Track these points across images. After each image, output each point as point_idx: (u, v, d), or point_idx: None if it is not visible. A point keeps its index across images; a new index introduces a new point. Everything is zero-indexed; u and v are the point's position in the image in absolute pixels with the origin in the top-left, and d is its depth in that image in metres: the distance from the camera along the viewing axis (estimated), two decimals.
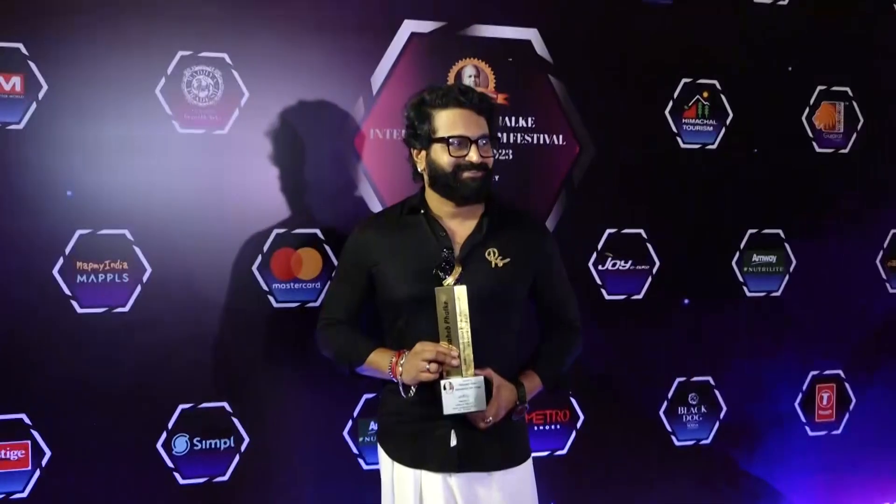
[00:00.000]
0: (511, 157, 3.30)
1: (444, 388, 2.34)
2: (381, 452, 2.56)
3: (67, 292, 2.86)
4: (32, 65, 2.82)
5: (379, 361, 2.47)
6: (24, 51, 2.81)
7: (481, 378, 2.36)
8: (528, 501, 2.52)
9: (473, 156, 2.43)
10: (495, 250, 2.49)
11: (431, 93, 2.49)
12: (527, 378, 2.52)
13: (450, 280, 2.37)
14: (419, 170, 2.53)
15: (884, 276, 3.82)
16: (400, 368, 2.41)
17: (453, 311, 2.33)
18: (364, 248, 2.55)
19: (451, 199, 2.49)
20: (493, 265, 2.47)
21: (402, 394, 2.43)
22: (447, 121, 2.45)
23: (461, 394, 2.33)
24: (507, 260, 2.49)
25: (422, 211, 2.53)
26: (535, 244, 2.58)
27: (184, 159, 2.96)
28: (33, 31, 2.82)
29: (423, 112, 2.49)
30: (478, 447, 2.44)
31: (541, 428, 3.37)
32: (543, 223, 2.72)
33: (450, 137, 2.44)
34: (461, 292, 2.33)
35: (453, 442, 2.43)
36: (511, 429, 2.49)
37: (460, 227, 2.52)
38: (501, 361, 2.48)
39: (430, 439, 2.44)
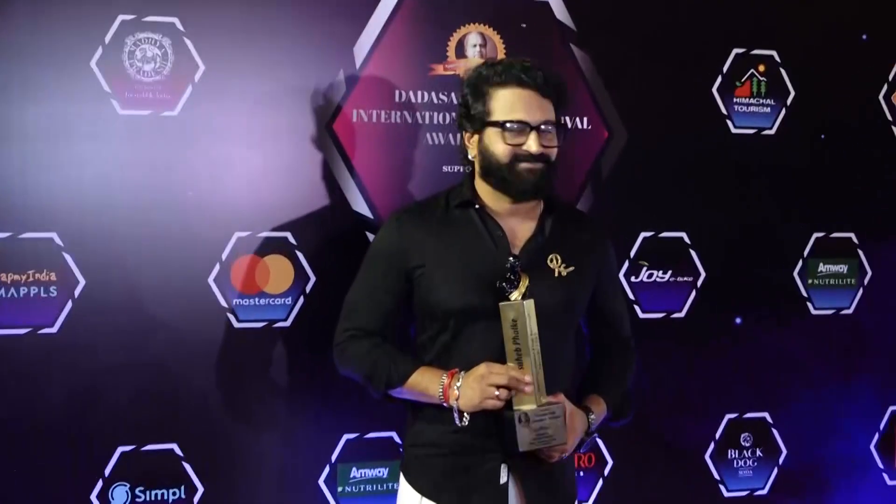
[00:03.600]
0: None
1: (520, 421, 2.27)
2: (405, 489, 2.49)
3: None
4: None
5: (425, 383, 2.38)
6: None
7: (562, 406, 2.33)
8: None
9: (532, 145, 2.35)
10: (558, 257, 2.43)
11: (490, 67, 2.42)
12: (593, 403, 2.49)
13: (517, 294, 2.30)
14: (470, 156, 2.48)
15: None
16: (456, 392, 2.32)
17: (524, 329, 2.27)
18: (405, 245, 2.45)
19: (505, 193, 2.42)
20: (557, 274, 2.42)
21: (457, 421, 2.33)
22: (505, 102, 2.38)
23: (539, 426, 2.29)
24: (572, 268, 2.44)
25: (476, 206, 2.46)
26: (599, 250, 2.56)
27: (125, 146, 2.82)
28: None
29: (480, 89, 2.41)
30: (531, 484, 2.40)
31: None
32: (603, 225, 2.67)
33: (506, 122, 2.35)
34: (531, 308, 2.27)
35: (503, 478, 2.38)
36: (562, 464, 2.46)
37: (519, 226, 2.46)
38: (566, 383, 2.47)
39: (475, 475, 2.39)
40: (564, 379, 2.46)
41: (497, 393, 2.27)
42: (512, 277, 2.30)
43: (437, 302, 2.41)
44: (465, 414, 2.32)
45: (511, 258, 2.33)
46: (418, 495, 2.43)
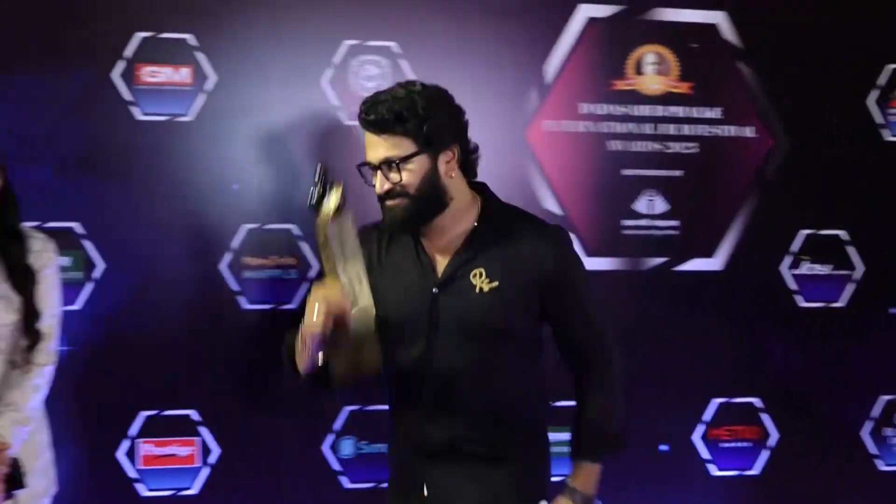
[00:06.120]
0: (698, 150, 3.30)
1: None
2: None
3: (235, 288, 2.99)
4: (201, 55, 2.97)
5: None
6: (192, 42, 2.97)
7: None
8: None
9: (377, 185, 2.15)
10: (482, 271, 2.18)
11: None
12: (577, 475, 2.24)
13: (331, 204, 2.03)
14: None
15: None
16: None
17: (328, 244, 2.04)
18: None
19: None
20: (478, 290, 2.17)
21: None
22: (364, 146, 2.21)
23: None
24: (495, 284, 2.17)
25: None
26: (539, 265, 2.19)
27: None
28: (201, 23, 2.97)
29: None
30: (449, 493, 2.22)
31: (727, 445, 3.36)
32: (564, 238, 2.26)
33: (359, 167, 2.20)
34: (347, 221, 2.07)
35: (425, 492, 2.23)
36: (495, 474, 2.21)
37: (447, 242, 2.22)
38: (497, 404, 2.20)
39: (412, 485, 2.26)
40: (499, 399, 2.19)
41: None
42: (320, 189, 2.03)
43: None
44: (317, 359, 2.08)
45: (319, 164, 2.09)
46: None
